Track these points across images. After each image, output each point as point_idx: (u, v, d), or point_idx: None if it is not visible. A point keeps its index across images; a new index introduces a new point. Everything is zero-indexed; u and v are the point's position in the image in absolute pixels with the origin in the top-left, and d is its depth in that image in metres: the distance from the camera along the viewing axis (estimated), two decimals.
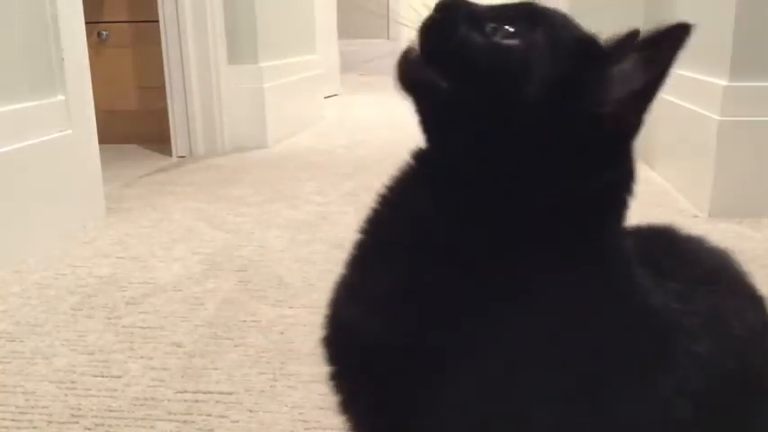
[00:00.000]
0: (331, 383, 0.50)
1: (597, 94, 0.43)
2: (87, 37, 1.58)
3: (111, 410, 0.82)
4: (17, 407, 0.83)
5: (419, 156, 0.49)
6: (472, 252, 0.45)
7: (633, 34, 0.46)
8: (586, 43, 0.45)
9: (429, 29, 0.46)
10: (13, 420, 0.80)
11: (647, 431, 0.45)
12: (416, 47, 0.47)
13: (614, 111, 0.43)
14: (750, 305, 0.52)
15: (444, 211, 0.46)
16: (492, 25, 0.45)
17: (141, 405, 0.83)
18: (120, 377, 0.89)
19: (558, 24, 0.46)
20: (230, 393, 0.85)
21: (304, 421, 0.79)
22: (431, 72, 0.46)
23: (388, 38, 5.43)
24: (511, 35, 0.44)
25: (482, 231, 0.45)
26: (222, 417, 0.80)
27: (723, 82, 1.46)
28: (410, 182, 0.49)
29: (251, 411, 0.81)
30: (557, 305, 0.44)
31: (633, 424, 0.45)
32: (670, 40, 0.42)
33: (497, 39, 0.45)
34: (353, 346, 0.48)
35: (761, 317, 0.52)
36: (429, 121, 0.48)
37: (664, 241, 0.55)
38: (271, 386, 0.86)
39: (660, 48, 0.43)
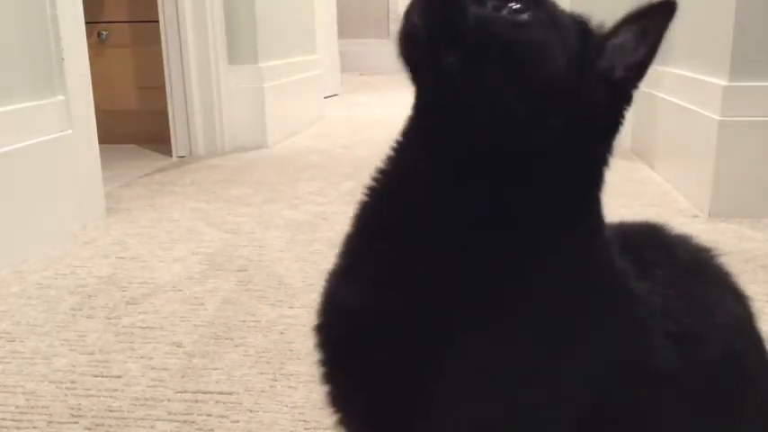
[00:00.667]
0: (321, 371, 0.49)
1: (603, 64, 0.44)
2: (87, 37, 1.58)
3: (111, 410, 0.82)
4: (17, 407, 0.83)
5: (409, 134, 0.48)
6: (468, 232, 0.44)
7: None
8: (580, 21, 0.46)
9: (429, 5, 0.45)
10: (13, 420, 0.80)
11: (637, 411, 0.45)
12: (415, 18, 0.45)
13: (622, 78, 0.45)
14: (733, 298, 0.52)
15: (441, 190, 0.45)
16: (494, 2, 0.44)
17: (141, 405, 0.83)
18: (120, 377, 0.89)
19: (551, 3, 0.46)
20: (230, 393, 0.85)
21: (304, 421, 0.79)
22: (436, 47, 0.44)
23: (389, 38, 5.43)
24: (519, 11, 0.44)
25: (480, 209, 0.44)
26: (222, 417, 0.80)
27: (723, 82, 1.46)
28: (400, 164, 0.48)
29: (251, 411, 0.81)
30: (548, 287, 0.44)
31: (622, 403, 0.45)
32: (661, 13, 0.44)
33: (507, 14, 0.44)
34: (348, 328, 0.47)
35: (744, 309, 0.52)
36: (429, 96, 0.47)
37: (651, 236, 0.55)
38: (271, 386, 0.86)
39: (653, 20, 0.44)
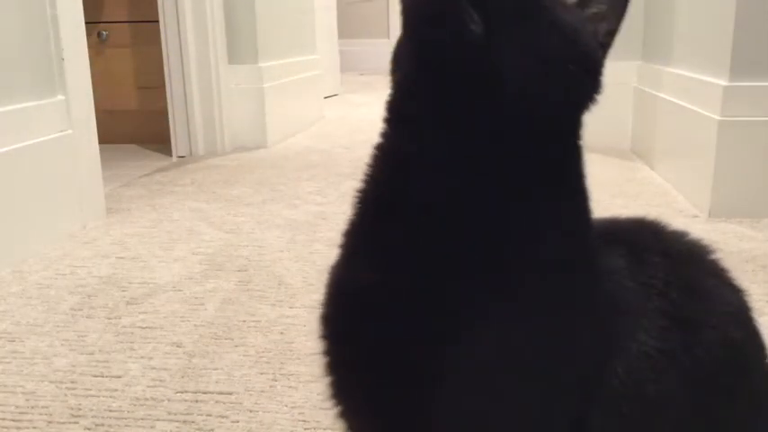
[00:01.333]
0: (324, 362, 0.49)
1: (591, 29, 0.46)
2: (87, 37, 1.58)
3: (111, 410, 0.82)
4: (17, 407, 0.83)
5: (400, 117, 0.46)
6: (471, 219, 0.44)
7: None
8: None
9: None
10: (13, 420, 0.80)
11: (638, 398, 0.45)
12: None
13: (602, 43, 0.46)
14: (730, 289, 0.52)
15: (438, 175, 0.44)
16: None
17: (141, 405, 0.83)
18: (120, 377, 0.89)
19: None
20: (230, 393, 0.85)
21: (304, 421, 0.79)
22: (461, 10, 0.40)
23: (389, 38, 5.43)
24: None
25: (481, 197, 0.43)
26: (222, 417, 0.80)
27: (723, 82, 1.46)
28: (395, 148, 0.46)
29: (251, 411, 0.81)
30: (550, 283, 0.44)
31: (622, 380, 0.45)
32: None
33: None
34: (350, 313, 0.47)
35: (741, 300, 0.52)
36: (436, 78, 0.43)
37: (646, 229, 0.55)
38: (271, 386, 0.86)
39: None
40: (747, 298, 0.53)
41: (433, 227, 0.44)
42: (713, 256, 0.54)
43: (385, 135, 0.47)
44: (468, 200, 0.43)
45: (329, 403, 0.50)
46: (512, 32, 0.41)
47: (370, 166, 0.47)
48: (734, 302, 0.51)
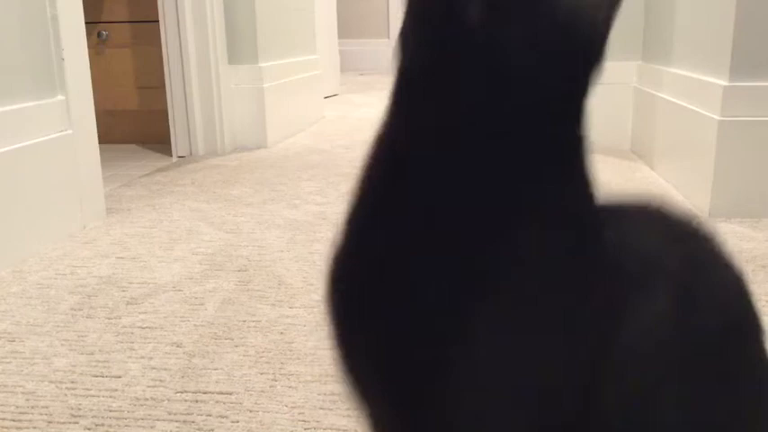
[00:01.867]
0: (333, 338, 0.49)
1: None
2: (87, 37, 1.58)
3: (111, 410, 0.82)
4: (17, 407, 0.83)
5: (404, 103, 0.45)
6: (475, 212, 0.43)
7: None
8: None
9: None
10: (13, 420, 0.80)
11: (636, 362, 0.45)
12: None
13: (606, 17, 0.44)
14: (734, 274, 0.52)
15: (439, 170, 0.43)
16: None
17: (141, 405, 0.83)
18: (120, 377, 0.89)
19: None
20: (230, 393, 0.85)
21: (304, 421, 0.79)
22: None
23: (389, 38, 5.43)
24: None
25: (485, 190, 0.43)
26: (222, 417, 0.80)
27: (723, 82, 1.46)
28: (396, 135, 0.46)
29: (251, 411, 0.81)
30: (558, 263, 0.44)
31: (622, 361, 0.45)
32: None
33: None
34: (354, 311, 0.47)
35: (744, 285, 0.52)
36: (434, 68, 0.42)
37: (651, 210, 0.55)
38: (271, 386, 0.86)
39: None
40: (749, 283, 0.53)
41: (432, 222, 0.44)
42: (717, 239, 0.54)
43: (385, 124, 0.47)
44: (469, 193, 0.43)
45: (340, 381, 0.50)
46: (514, 14, 0.40)
47: (368, 156, 0.47)
48: (738, 287, 0.51)
